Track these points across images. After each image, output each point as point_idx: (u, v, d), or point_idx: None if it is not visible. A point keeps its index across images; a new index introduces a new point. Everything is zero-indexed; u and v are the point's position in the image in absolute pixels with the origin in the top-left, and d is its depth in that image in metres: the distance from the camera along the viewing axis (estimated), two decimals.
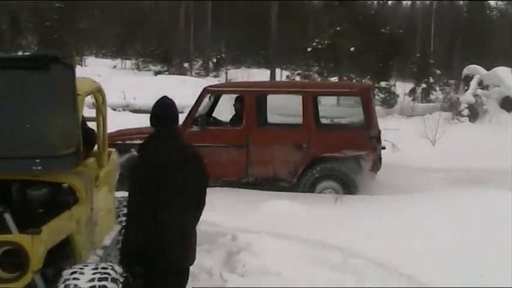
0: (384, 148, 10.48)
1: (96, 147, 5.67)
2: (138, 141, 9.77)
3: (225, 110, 11.24)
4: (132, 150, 9.51)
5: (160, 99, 4.65)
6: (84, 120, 5.70)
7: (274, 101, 11.09)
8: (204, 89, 10.19)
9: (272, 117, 11.32)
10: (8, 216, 3.99)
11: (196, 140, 8.10)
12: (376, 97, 27.90)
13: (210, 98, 10.44)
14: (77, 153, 4.52)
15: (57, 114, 4.62)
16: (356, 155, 9.54)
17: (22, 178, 4.56)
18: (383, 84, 27.72)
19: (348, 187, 9.62)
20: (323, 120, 10.85)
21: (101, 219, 5.33)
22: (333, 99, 10.21)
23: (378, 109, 26.26)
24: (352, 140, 9.60)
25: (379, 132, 9.84)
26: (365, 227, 7.70)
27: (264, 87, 10.92)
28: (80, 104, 4.85)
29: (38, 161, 4.45)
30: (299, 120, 9.91)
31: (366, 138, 9.56)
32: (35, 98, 4.73)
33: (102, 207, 5.41)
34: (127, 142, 9.94)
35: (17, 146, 4.51)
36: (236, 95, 10.44)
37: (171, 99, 4.63)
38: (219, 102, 10.80)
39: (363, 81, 28.05)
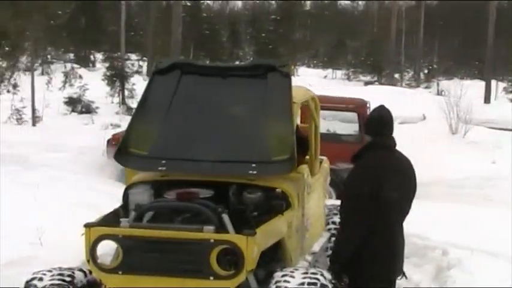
0: None
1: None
2: None
3: None
4: None
5: (377, 108, 4.64)
6: (298, 127, 5.83)
7: None
8: None
9: None
10: (226, 217, 4.18)
11: None
12: None
13: None
14: (291, 159, 4.62)
15: (274, 121, 4.78)
16: (349, 168, 9.55)
17: (239, 181, 4.75)
18: None
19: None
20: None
21: (311, 225, 5.41)
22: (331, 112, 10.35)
23: None
24: (346, 153, 9.56)
25: None
26: None
27: None
28: (295, 111, 4.97)
29: (254, 165, 4.62)
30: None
31: None
32: (253, 105, 4.95)
33: (313, 214, 5.49)
34: None
35: (235, 151, 4.73)
36: None
37: (386, 109, 4.60)
38: None
39: None
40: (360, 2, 64.68)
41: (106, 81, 24.37)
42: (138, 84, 23.39)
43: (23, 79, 18.69)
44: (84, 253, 4.25)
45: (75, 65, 26.73)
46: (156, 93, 5.13)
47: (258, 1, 57.63)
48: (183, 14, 26.71)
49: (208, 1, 46.48)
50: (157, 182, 4.87)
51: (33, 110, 17.89)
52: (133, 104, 22.13)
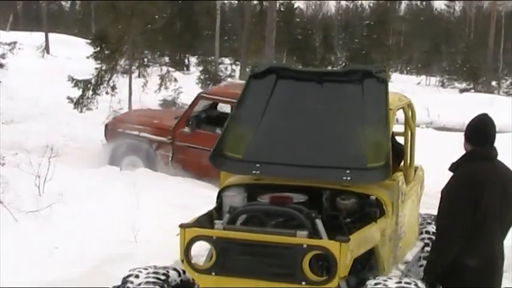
0: None
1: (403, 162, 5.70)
2: (139, 133, 10.61)
3: None
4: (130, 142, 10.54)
5: (479, 116, 4.51)
6: (393, 134, 5.76)
7: None
8: (198, 94, 10.90)
9: None
10: (319, 222, 4.18)
11: (184, 140, 10.13)
12: None
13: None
14: (386, 166, 4.56)
15: (369, 127, 4.74)
16: None
17: (332, 187, 4.74)
18: None
19: None
20: None
21: (404, 234, 5.32)
22: None
23: None
24: None
25: None
26: None
27: None
28: (391, 118, 4.91)
29: (348, 171, 4.59)
30: None
31: None
32: (348, 110, 4.92)
33: (406, 222, 5.40)
34: (127, 131, 10.67)
35: (329, 156, 4.72)
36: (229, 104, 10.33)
37: (490, 118, 4.48)
38: None
39: None
40: (457, 7, 63.18)
41: (200, 85, 24.81)
42: None
43: (121, 81, 19.25)
44: (178, 253, 4.34)
45: (170, 68, 27.30)
46: (251, 97, 5.17)
47: (351, 5, 57.31)
48: (276, 18, 26.87)
49: (301, 0, 46.43)
50: (250, 185, 4.92)
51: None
52: None
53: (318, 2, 64.57)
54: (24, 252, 6.22)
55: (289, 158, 4.78)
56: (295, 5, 44.65)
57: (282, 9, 38.93)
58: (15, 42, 19.98)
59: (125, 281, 4.42)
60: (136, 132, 10.63)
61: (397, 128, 5.89)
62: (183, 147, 10.28)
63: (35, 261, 6.04)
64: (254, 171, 4.79)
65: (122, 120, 11.18)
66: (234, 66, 35.02)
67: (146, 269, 4.51)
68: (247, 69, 26.02)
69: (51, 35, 32.97)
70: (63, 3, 61.04)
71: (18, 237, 6.60)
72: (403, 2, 53.84)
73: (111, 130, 10.99)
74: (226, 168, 5.04)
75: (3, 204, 7.08)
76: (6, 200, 7.18)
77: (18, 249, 6.28)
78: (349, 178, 4.56)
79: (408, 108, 5.74)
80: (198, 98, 10.70)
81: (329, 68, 36.07)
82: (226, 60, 33.52)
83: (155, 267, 4.55)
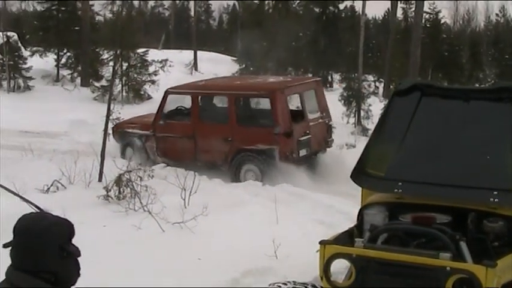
0: None
1: None
2: (132, 130, 12.50)
3: None
4: (128, 138, 12.51)
5: None
6: None
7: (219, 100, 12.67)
8: (166, 90, 12.43)
9: (214, 113, 12.26)
10: (463, 245, 4.04)
11: (161, 131, 11.92)
12: None
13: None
14: None
15: None
16: (266, 149, 11.04)
17: (478, 209, 4.55)
18: None
19: (264, 173, 10.97)
20: (244, 118, 11.82)
21: None
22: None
23: None
24: (262, 136, 11.16)
25: (289, 128, 11.09)
26: None
27: (206, 88, 12.68)
28: None
29: (495, 193, 4.40)
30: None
31: (272, 135, 11.05)
32: (497, 129, 4.73)
33: None
34: (126, 130, 12.59)
35: (475, 176, 4.55)
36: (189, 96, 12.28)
37: None
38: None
39: None
40: None
41: (342, 102, 24.71)
42: (374, 105, 23.38)
43: None
44: (317, 269, 4.34)
45: None
46: (395, 114, 5.11)
47: (501, 20, 55.10)
48: (422, 35, 26.34)
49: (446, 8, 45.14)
50: (392, 204, 4.84)
51: None
52: (369, 125, 22.17)
53: (466, 16, 62.61)
54: (169, 262, 6.45)
55: (432, 177, 4.66)
56: (442, 21, 43.54)
57: (427, 25, 38.07)
58: (166, 60, 20.94)
59: None
60: (130, 130, 12.66)
61: None
62: (162, 137, 12.08)
63: (179, 270, 6.24)
64: (396, 190, 4.71)
65: (124, 122, 12.87)
66: (377, 83, 34.66)
67: (285, 284, 4.55)
68: (391, 86, 25.65)
69: (199, 53, 34.12)
70: (212, 22, 63.24)
71: (165, 247, 6.86)
72: None
73: (115, 131, 12.71)
74: (368, 186, 4.99)
75: (152, 215, 7.39)
76: (154, 210, 7.50)
77: (164, 259, 6.53)
78: (496, 200, 4.37)
79: None
80: (167, 93, 12.32)
81: (476, 85, 34.80)
82: (370, 77, 33.22)
83: (294, 282, 4.58)
